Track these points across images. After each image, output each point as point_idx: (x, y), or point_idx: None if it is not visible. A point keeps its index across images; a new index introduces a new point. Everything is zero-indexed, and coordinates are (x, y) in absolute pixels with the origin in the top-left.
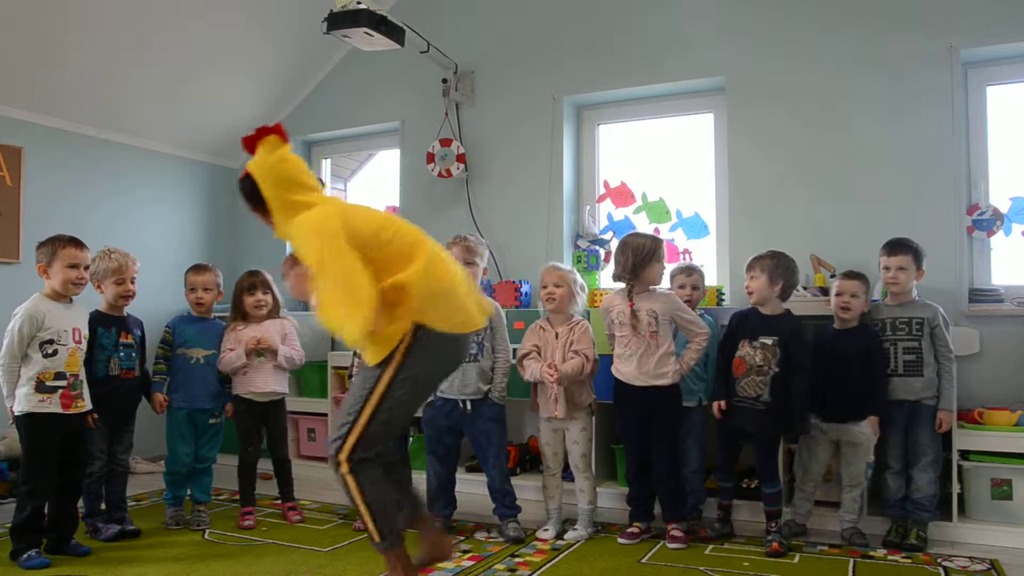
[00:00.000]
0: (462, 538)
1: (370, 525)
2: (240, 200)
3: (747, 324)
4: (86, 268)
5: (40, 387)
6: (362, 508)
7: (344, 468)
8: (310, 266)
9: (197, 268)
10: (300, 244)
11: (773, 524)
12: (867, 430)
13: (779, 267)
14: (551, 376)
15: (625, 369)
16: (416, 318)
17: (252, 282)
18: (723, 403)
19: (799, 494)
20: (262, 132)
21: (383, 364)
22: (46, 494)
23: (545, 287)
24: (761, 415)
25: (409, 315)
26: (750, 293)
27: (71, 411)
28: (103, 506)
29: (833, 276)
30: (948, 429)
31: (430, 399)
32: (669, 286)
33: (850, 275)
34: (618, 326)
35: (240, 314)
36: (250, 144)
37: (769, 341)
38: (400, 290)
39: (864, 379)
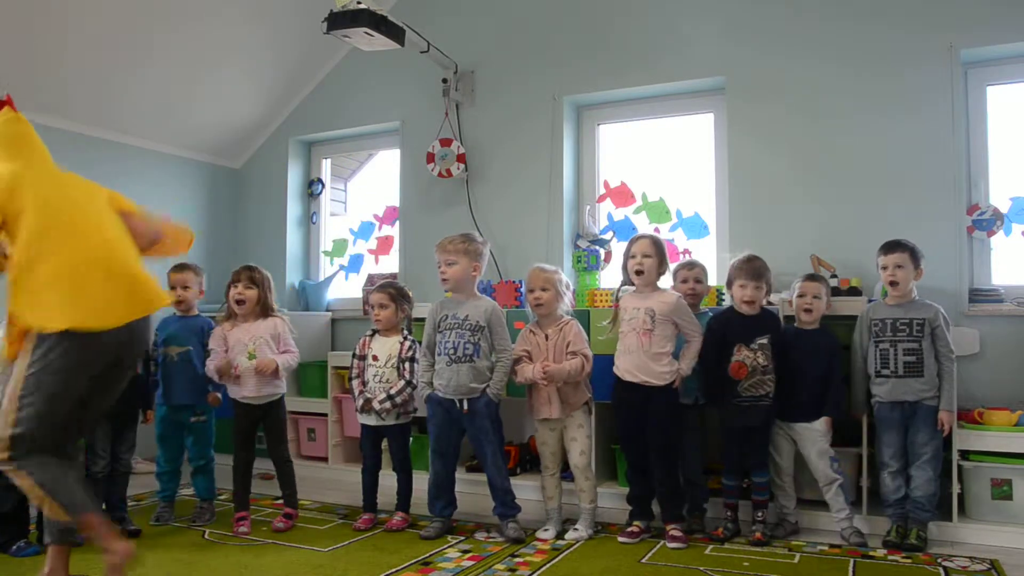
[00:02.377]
0: (462, 538)
1: (51, 505)
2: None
3: (733, 328)
4: None
5: None
6: (37, 492)
7: (9, 468)
8: None
9: (176, 267)
10: None
11: (760, 513)
12: (821, 427)
13: (765, 273)
14: (543, 378)
15: (622, 364)
16: (47, 312)
17: (237, 275)
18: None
19: (779, 492)
20: None
21: (21, 358)
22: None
23: (532, 291)
24: (767, 410)
25: (40, 307)
26: (750, 302)
27: None
28: (103, 506)
29: (834, 276)
30: (950, 430)
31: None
32: (672, 284)
33: (811, 277)
34: (625, 323)
35: (231, 311)
36: None
37: (765, 340)
38: (39, 281)
39: (821, 380)
